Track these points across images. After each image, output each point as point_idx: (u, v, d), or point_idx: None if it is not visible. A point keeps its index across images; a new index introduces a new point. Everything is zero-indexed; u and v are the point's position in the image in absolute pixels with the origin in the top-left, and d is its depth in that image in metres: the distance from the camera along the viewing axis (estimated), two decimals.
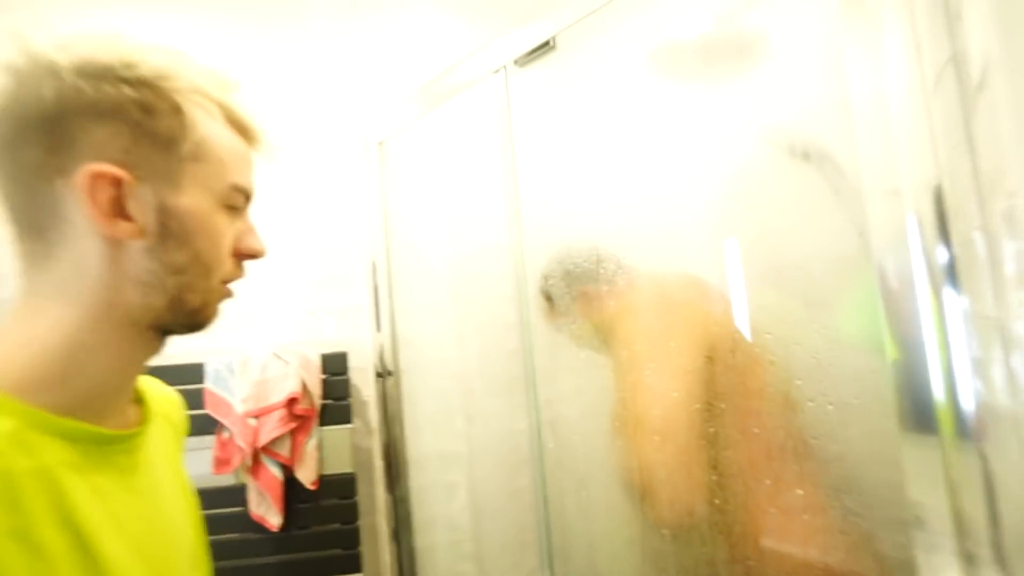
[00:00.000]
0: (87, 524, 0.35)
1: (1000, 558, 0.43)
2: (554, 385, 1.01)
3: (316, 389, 1.19)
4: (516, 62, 0.96)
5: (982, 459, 0.44)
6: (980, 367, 0.46)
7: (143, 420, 0.45)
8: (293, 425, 1.16)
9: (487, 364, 1.35)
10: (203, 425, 1.18)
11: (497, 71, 0.99)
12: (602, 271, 0.88)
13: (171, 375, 1.28)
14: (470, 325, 1.37)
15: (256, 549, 1.20)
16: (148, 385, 0.50)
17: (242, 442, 1.12)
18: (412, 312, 1.38)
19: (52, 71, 0.36)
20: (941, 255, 0.48)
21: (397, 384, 1.36)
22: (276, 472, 1.15)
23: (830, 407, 0.59)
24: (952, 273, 0.48)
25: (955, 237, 0.48)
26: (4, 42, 0.37)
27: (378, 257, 1.38)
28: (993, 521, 0.44)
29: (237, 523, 1.18)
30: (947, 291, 0.48)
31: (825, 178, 0.72)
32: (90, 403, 0.39)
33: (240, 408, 1.14)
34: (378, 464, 1.37)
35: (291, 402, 1.14)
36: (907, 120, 0.51)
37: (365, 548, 1.30)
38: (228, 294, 0.47)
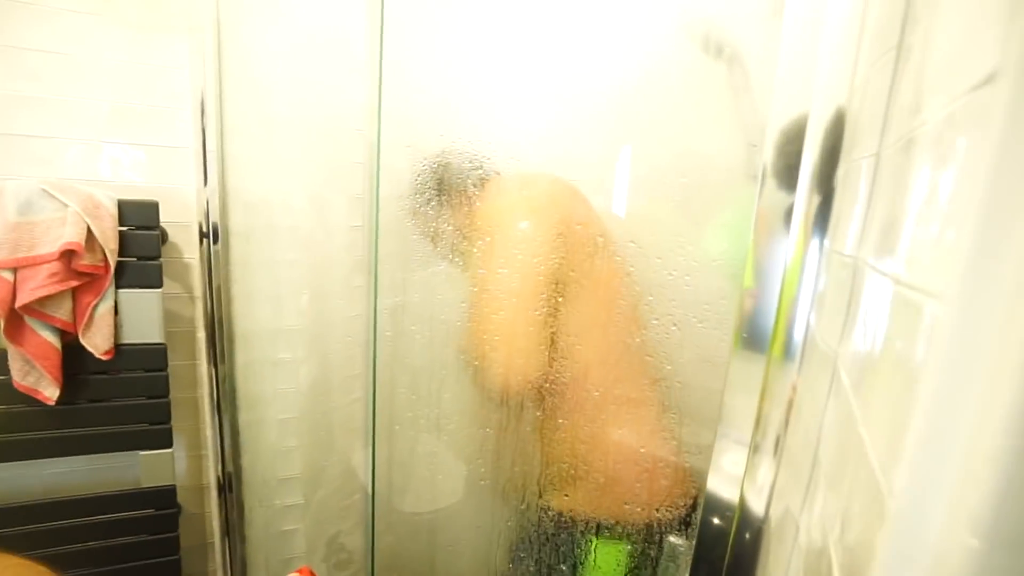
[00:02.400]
0: None
1: (776, 450, 0.49)
2: (400, 272, 0.90)
3: (110, 243, 0.96)
4: None
5: (793, 381, 0.48)
6: (819, 310, 0.44)
7: None
8: (73, 283, 0.93)
9: (334, 240, 1.19)
10: None
11: None
12: (477, 172, 0.74)
13: None
14: (319, 191, 1.18)
15: (32, 423, 1.01)
16: None
17: None
18: (249, 166, 1.14)
19: None
20: (822, 190, 0.43)
21: (226, 248, 1.16)
22: (49, 337, 0.94)
23: (673, 328, 0.55)
24: (826, 210, 0.43)
25: (842, 167, 0.42)
26: None
27: (208, 87, 1.09)
28: (785, 423, 0.48)
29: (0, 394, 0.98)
30: (816, 228, 0.43)
31: (731, 81, 0.63)
32: None
33: None
34: (200, 335, 1.20)
35: (68, 255, 0.91)
36: (837, 29, 0.43)
37: (180, 422, 1.18)
38: None
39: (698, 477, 0.60)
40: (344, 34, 0.95)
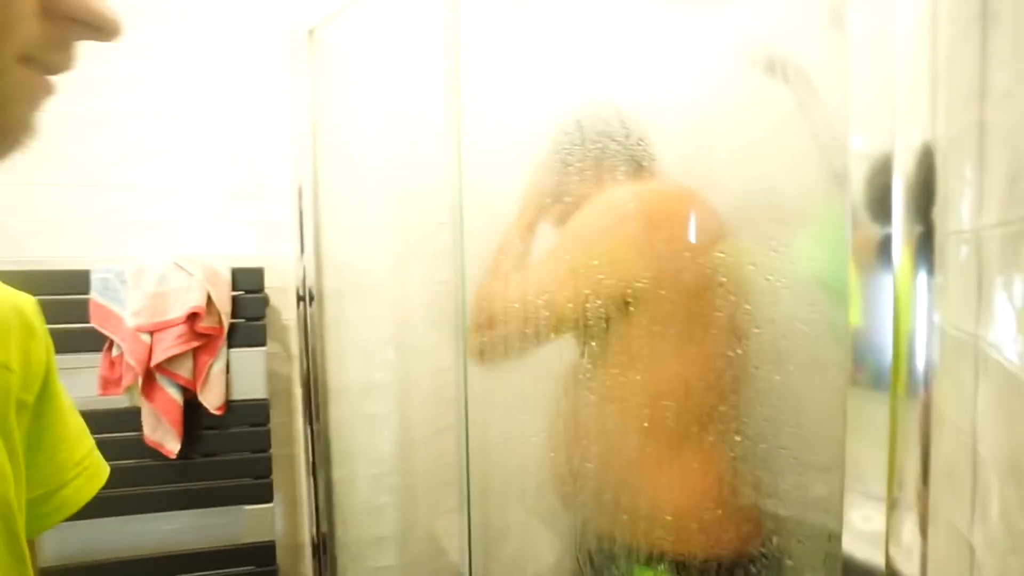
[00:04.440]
0: None
1: (923, 504, 0.44)
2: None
3: (225, 306, 1.07)
4: None
5: (924, 418, 0.44)
6: (943, 300, 0.42)
7: None
8: (195, 344, 1.03)
9: (420, 295, 1.25)
10: (88, 341, 1.04)
11: None
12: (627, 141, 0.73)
13: (50, 282, 1.12)
14: (405, 251, 1.27)
15: (153, 476, 1.09)
16: None
17: (132, 360, 0.99)
18: (340, 232, 1.25)
19: None
20: (917, 225, 0.43)
21: (320, 308, 1.25)
22: (174, 394, 1.03)
23: (780, 337, 0.54)
24: (929, 234, 0.42)
25: (939, 177, 0.42)
26: None
27: (304, 166, 1.23)
28: (924, 473, 0.44)
29: (132, 449, 1.07)
30: (921, 257, 0.43)
31: (799, 100, 0.65)
32: None
33: (131, 322, 1.01)
34: (297, 392, 1.28)
35: (192, 318, 1.02)
36: (908, 64, 0.44)
37: (279, 478, 1.23)
38: (40, 88, 0.26)
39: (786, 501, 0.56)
40: (425, 107, 1.05)
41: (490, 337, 0.78)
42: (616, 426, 0.69)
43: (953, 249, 0.41)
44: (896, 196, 0.45)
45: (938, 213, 0.43)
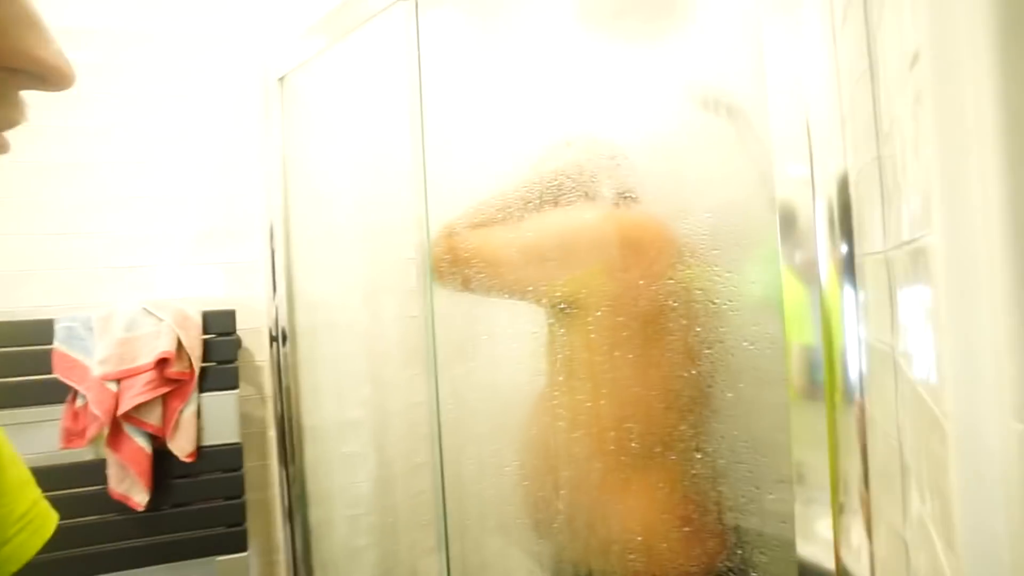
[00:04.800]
0: None
1: (866, 507, 0.47)
2: (457, 357, 0.95)
3: (195, 350, 1.06)
4: None
5: (860, 424, 0.47)
6: (867, 318, 0.46)
7: None
8: (165, 390, 1.02)
9: (391, 331, 1.26)
10: (52, 393, 1.01)
11: None
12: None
13: (13, 334, 1.10)
14: (375, 287, 1.28)
15: (121, 531, 1.06)
16: None
17: (98, 410, 0.97)
18: (312, 270, 1.26)
19: None
20: (841, 239, 0.47)
21: (294, 348, 1.25)
22: (142, 443, 1.01)
23: (729, 355, 0.57)
24: (850, 247, 0.47)
25: (853, 196, 0.46)
26: None
27: (275, 209, 1.25)
28: (864, 477, 0.47)
29: (96, 504, 1.04)
30: (846, 272, 0.47)
31: (736, 131, 0.70)
32: None
33: (98, 370, 0.99)
34: (271, 434, 1.26)
35: (162, 363, 1.01)
36: (820, 93, 0.50)
37: (253, 524, 1.20)
38: None
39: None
40: (391, 147, 1.09)
41: (447, 264, 0.85)
42: (582, 450, 0.70)
43: (872, 268, 0.45)
44: (819, 220, 0.49)
45: (857, 235, 0.47)
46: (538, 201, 0.81)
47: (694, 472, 0.60)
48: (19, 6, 0.22)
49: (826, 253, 0.49)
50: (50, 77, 0.23)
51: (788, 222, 0.51)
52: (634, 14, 0.82)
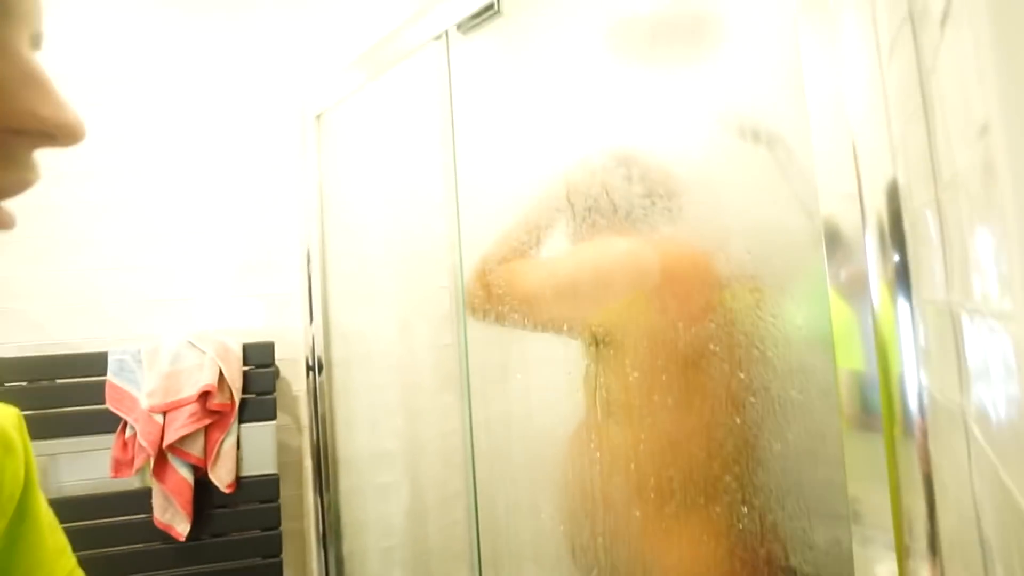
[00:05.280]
0: None
1: (933, 550, 0.43)
2: (491, 386, 0.93)
3: (236, 382, 1.08)
4: (459, 27, 0.88)
5: (924, 457, 0.44)
6: (928, 365, 0.43)
7: None
8: (207, 421, 1.04)
9: (425, 359, 1.26)
10: (102, 423, 1.05)
11: (439, 37, 0.91)
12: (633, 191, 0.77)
13: (69, 366, 1.16)
14: (409, 316, 1.29)
15: (162, 560, 1.08)
16: None
17: (145, 441, 1.00)
18: (347, 301, 1.28)
19: None
20: (893, 256, 0.44)
21: (329, 378, 1.26)
22: (185, 474, 1.03)
23: (775, 404, 0.54)
24: (904, 272, 0.43)
25: (907, 220, 0.43)
26: None
27: (312, 241, 1.28)
28: (931, 516, 0.43)
29: (141, 532, 1.07)
30: (900, 292, 0.43)
31: (776, 160, 0.67)
32: None
33: (145, 403, 1.03)
34: (307, 464, 1.27)
35: (204, 396, 1.03)
36: (865, 118, 0.47)
37: (288, 553, 1.20)
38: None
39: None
40: (424, 178, 1.10)
41: (480, 300, 0.83)
42: (618, 493, 0.68)
43: (933, 315, 0.41)
44: (869, 240, 0.46)
45: (913, 266, 0.44)
46: (571, 226, 0.80)
47: (740, 526, 0.56)
48: (18, 65, 0.21)
49: (877, 272, 0.45)
50: (58, 134, 0.22)
51: (835, 241, 0.48)
52: (667, 41, 0.81)
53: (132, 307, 1.21)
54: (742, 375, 0.54)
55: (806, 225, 0.61)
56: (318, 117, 1.26)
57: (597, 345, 0.71)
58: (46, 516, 0.37)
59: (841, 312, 0.47)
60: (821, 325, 0.53)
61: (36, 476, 0.36)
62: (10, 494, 0.33)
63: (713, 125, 0.72)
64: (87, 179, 1.22)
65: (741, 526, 0.55)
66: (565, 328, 0.76)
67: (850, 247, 0.46)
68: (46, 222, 1.20)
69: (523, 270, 0.80)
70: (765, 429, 0.53)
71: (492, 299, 0.83)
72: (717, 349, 0.56)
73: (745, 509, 0.55)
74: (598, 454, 0.69)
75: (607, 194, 0.76)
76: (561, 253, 0.80)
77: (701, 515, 0.58)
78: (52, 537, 0.37)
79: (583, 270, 0.76)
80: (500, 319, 0.82)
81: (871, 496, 0.45)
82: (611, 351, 0.69)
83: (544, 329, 0.80)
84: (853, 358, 0.47)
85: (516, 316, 0.80)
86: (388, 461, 1.28)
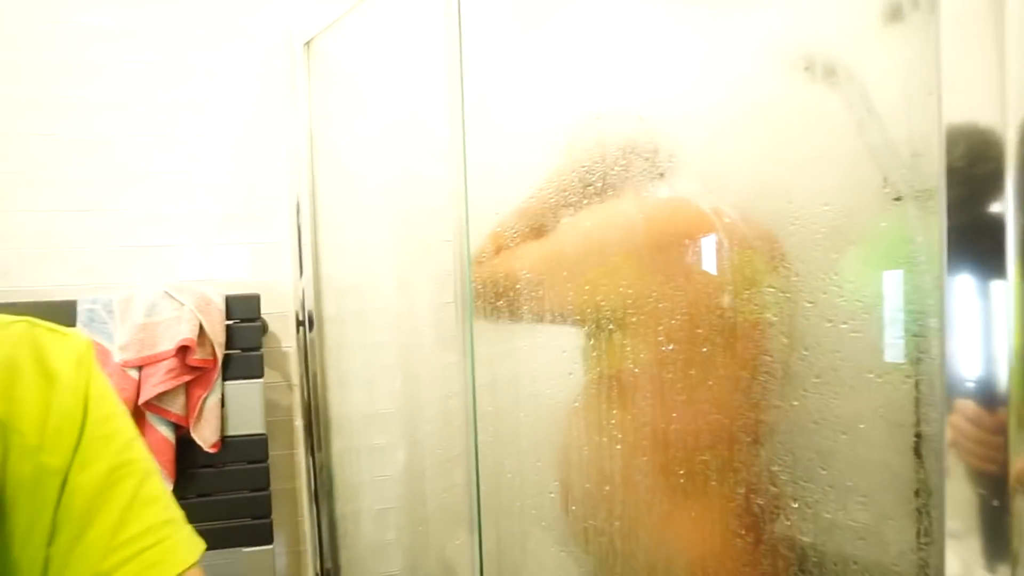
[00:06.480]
0: None
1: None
2: (496, 346, 0.86)
3: (218, 336, 1.00)
4: None
5: None
6: None
7: None
8: (187, 378, 0.97)
9: (425, 317, 1.18)
10: None
11: None
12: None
13: (35, 314, 1.05)
14: (408, 272, 1.20)
15: None
16: None
17: (120, 397, 0.92)
18: (340, 253, 1.18)
19: None
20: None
21: (321, 335, 1.18)
22: (166, 432, 0.96)
23: (846, 385, 0.46)
24: None
25: None
26: None
27: (302, 186, 1.17)
28: None
29: None
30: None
31: (848, 103, 0.57)
32: None
33: (119, 356, 0.94)
34: (298, 423, 1.21)
35: (183, 351, 0.95)
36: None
37: (279, 514, 1.16)
38: None
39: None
40: (428, 119, 0.99)
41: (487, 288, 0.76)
42: (632, 472, 0.61)
43: None
44: (1009, 186, 0.36)
45: None
46: (577, 192, 0.71)
47: (788, 525, 0.50)
48: None
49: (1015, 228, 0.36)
50: None
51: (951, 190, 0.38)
52: None
53: (105, 254, 1.11)
54: (805, 352, 0.46)
55: (877, 179, 0.52)
56: (307, 44, 1.12)
57: (606, 328, 0.64)
58: (138, 464, 0.31)
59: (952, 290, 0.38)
60: (893, 292, 0.45)
61: (105, 415, 0.31)
62: (57, 428, 0.29)
63: (767, 58, 0.62)
64: (56, 112, 1.09)
65: (789, 523, 0.49)
66: (573, 314, 0.69)
67: (974, 199, 0.37)
68: (11, 157, 1.08)
69: (520, 259, 0.72)
70: (827, 414, 0.46)
71: (499, 296, 0.74)
72: (775, 320, 0.48)
73: (796, 505, 0.48)
74: (605, 423, 0.63)
75: (631, 152, 0.67)
76: (566, 228, 0.72)
77: (709, 493, 0.52)
78: (147, 487, 0.31)
79: (587, 240, 0.68)
80: (513, 315, 0.74)
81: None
82: (621, 330, 0.62)
83: (552, 319, 0.73)
84: (964, 340, 0.38)
85: (523, 311, 0.72)
86: (384, 422, 1.22)
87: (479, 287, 0.78)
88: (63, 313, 1.00)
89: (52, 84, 1.09)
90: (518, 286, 0.74)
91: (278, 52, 1.17)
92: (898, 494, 0.44)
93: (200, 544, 0.31)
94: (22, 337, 0.31)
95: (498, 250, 0.76)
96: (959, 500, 0.39)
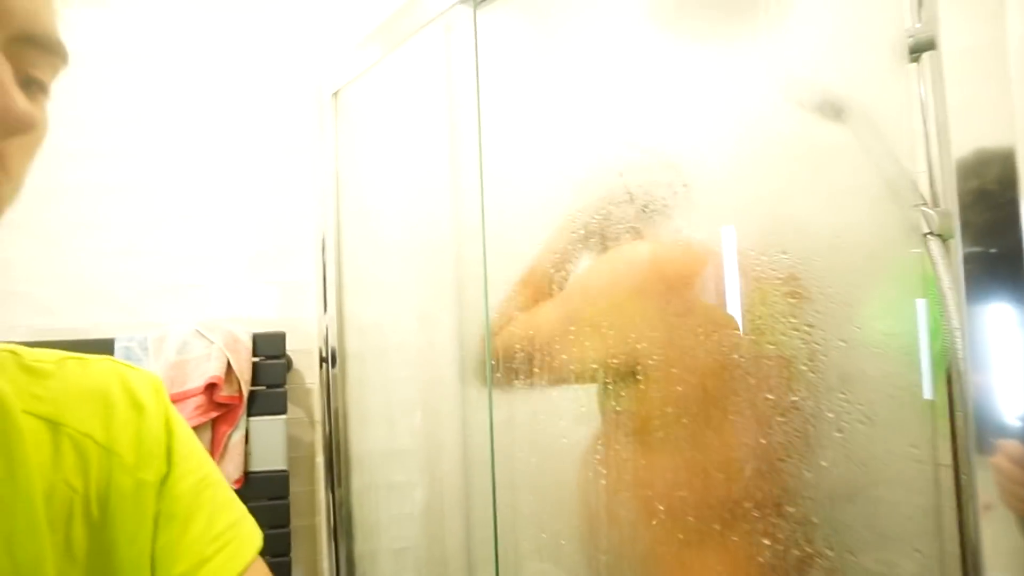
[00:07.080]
0: None
1: None
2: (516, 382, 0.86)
3: (244, 374, 1.03)
4: None
5: None
6: None
7: None
8: (214, 414, 0.99)
9: (445, 354, 1.19)
10: None
11: (464, 1, 0.82)
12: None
13: (73, 350, 1.10)
14: (428, 309, 1.21)
15: None
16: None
17: None
18: (362, 291, 1.21)
19: None
20: None
21: (343, 371, 1.20)
22: None
23: (859, 424, 0.45)
24: None
25: None
26: None
27: (328, 227, 1.21)
28: None
29: None
30: None
31: (860, 140, 0.58)
32: None
33: None
34: (319, 460, 1.21)
35: (211, 388, 0.98)
36: None
37: (298, 551, 1.15)
38: None
39: None
40: (447, 159, 1.03)
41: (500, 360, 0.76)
42: (640, 508, 0.59)
43: None
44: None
45: None
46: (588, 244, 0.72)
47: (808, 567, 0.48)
48: None
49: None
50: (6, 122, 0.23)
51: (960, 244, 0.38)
52: (714, 6, 0.72)
53: (141, 293, 1.17)
54: (841, 395, 0.45)
55: (895, 215, 0.52)
56: (335, 94, 1.19)
57: (622, 380, 0.64)
58: (206, 472, 0.37)
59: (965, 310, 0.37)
60: (908, 334, 0.44)
61: (183, 436, 0.36)
62: (149, 450, 0.34)
63: (782, 102, 0.63)
64: (98, 160, 1.17)
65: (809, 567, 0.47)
66: (590, 372, 0.68)
67: (983, 231, 0.37)
68: (55, 204, 1.16)
69: (543, 310, 0.72)
70: (839, 453, 0.44)
71: (516, 364, 0.74)
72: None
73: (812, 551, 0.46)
74: (622, 466, 0.62)
75: (648, 193, 0.68)
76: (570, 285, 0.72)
77: (732, 537, 0.50)
78: (220, 491, 0.37)
79: (582, 300, 0.68)
80: (532, 380, 0.74)
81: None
82: (636, 379, 0.62)
83: (568, 382, 0.72)
84: (969, 377, 0.38)
85: (541, 375, 0.71)
86: (403, 459, 1.22)
87: (495, 359, 0.79)
88: (101, 349, 1.04)
89: (97, 135, 1.18)
90: (534, 351, 0.73)
91: (308, 102, 1.24)
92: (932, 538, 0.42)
93: (260, 532, 0.38)
94: (110, 373, 0.36)
95: (510, 319, 0.77)
96: (1001, 548, 0.38)
